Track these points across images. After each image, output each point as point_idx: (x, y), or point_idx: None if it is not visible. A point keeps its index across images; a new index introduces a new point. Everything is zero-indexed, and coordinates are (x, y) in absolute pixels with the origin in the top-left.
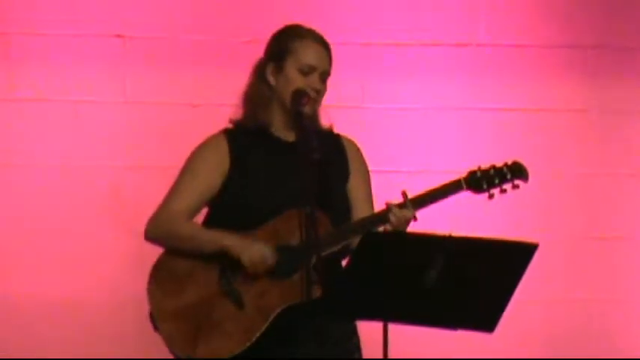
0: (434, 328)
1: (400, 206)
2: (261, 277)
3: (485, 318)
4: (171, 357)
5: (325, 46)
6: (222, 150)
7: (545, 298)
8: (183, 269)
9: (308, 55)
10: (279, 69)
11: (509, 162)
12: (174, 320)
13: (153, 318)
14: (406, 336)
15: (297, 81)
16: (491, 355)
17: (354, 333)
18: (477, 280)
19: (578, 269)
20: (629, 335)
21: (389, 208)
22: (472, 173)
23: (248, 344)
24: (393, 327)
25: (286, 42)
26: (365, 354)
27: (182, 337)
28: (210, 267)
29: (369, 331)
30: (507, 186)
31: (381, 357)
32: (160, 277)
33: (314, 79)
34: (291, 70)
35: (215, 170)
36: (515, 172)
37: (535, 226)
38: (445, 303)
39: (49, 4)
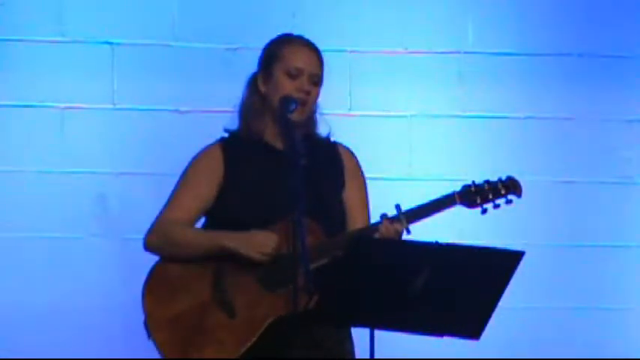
0: (420, 335)
1: (393, 220)
2: (254, 285)
3: (471, 325)
4: None
5: (314, 49)
6: (217, 160)
7: (530, 306)
8: (177, 278)
9: (295, 58)
10: (269, 76)
11: (504, 177)
12: (167, 329)
13: (147, 326)
14: (393, 342)
15: (285, 85)
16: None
17: (346, 338)
18: (463, 288)
19: (563, 277)
20: (615, 343)
21: (382, 219)
22: (466, 188)
23: (238, 355)
24: (379, 333)
25: (274, 49)
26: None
27: (174, 346)
28: (203, 275)
29: (355, 337)
30: (500, 201)
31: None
32: (154, 285)
33: (302, 81)
34: (279, 74)
35: (210, 183)
36: (510, 187)
37: (520, 233)
38: (431, 310)
39: (38, 10)
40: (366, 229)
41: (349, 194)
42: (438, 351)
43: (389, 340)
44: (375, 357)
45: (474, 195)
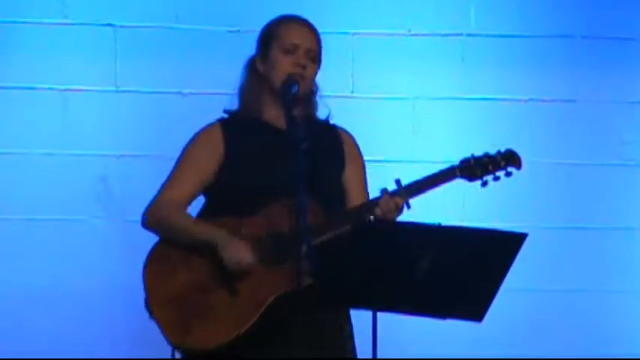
0: (423, 317)
1: (393, 194)
2: (255, 263)
3: (474, 308)
4: (163, 344)
5: (308, 26)
6: (217, 139)
7: (532, 288)
8: (178, 257)
9: (290, 34)
10: (266, 56)
11: (502, 150)
12: (169, 307)
13: (148, 305)
14: (395, 331)
15: (282, 61)
16: (478, 344)
17: (346, 320)
18: (465, 270)
19: (565, 259)
20: (616, 326)
21: (382, 194)
22: (465, 161)
23: (239, 332)
24: (381, 328)
25: (270, 30)
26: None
27: (175, 324)
28: (204, 254)
29: (358, 324)
30: (500, 173)
31: (370, 349)
32: (155, 264)
33: (298, 56)
34: (276, 52)
35: (210, 159)
36: (509, 159)
37: (523, 216)
38: (434, 292)
39: None
40: (367, 203)
41: (349, 177)
42: (441, 339)
43: (391, 331)
44: (378, 349)
45: (474, 167)
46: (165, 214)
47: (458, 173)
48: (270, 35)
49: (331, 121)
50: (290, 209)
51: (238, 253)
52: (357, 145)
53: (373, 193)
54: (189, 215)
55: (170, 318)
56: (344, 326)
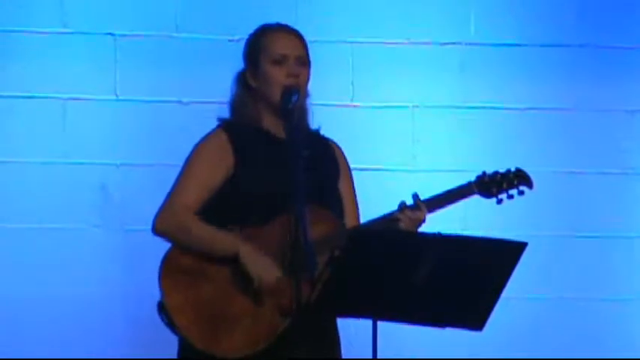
0: (423, 326)
1: (413, 208)
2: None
3: (474, 316)
4: (161, 353)
5: (293, 32)
6: (226, 145)
7: (532, 296)
8: (195, 264)
9: (276, 45)
10: (256, 70)
11: (513, 169)
12: (190, 314)
13: (166, 312)
14: (395, 337)
15: (274, 73)
16: (478, 353)
17: (332, 324)
18: (465, 279)
19: (565, 268)
20: (616, 334)
21: (401, 209)
22: (480, 177)
23: (270, 342)
24: (382, 328)
25: (255, 42)
26: (354, 354)
27: (201, 331)
28: (222, 262)
29: (357, 326)
30: (514, 191)
31: (370, 356)
32: (171, 271)
33: (289, 65)
34: (266, 65)
35: (218, 164)
36: (521, 178)
37: (523, 224)
38: (434, 301)
39: (40, 1)
40: (387, 217)
41: (342, 187)
42: (440, 344)
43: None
44: (378, 350)
45: (489, 185)
46: (183, 219)
47: (475, 189)
48: (256, 48)
49: (322, 131)
50: (305, 219)
51: (267, 269)
52: (345, 156)
53: (375, 202)
54: (206, 223)
55: (194, 324)
56: (329, 331)
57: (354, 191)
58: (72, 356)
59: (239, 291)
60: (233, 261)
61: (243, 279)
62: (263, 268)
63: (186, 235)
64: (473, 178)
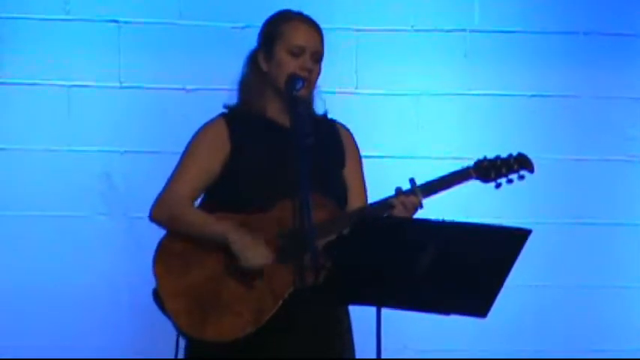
0: (427, 313)
1: (408, 193)
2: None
3: (478, 303)
4: (167, 340)
5: (314, 26)
6: (223, 134)
7: (536, 284)
8: (188, 250)
9: (296, 36)
10: (270, 54)
11: (514, 153)
12: (182, 299)
13: (159, 298)
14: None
15: (288, 64)
16: (482, 339)
17: (344, 314)
18: (470, 266)
19: (569, 255)
20: (620, 321)
21: (397, 193)
22: (479, 162)
23: (259, 325)
24: (385, 313)
25: (275, 27)
26: (358, 344)
27: (190, 316)
28: (215, 247)
29: (361, 318)
30: (513, 176)
31: (374, 346)
32: (165, 257)
33: (305, 59)
34: (281, 53)
35: (216, 154)
36: (521, 163)
37: (527, 211)
38: (438, 288)
39: None
40: (382, 203)
41: (349, 172)
42: (444, 333)
43: (394, 325)
44: (382, 345)
45: (488, 169)
46: (176, 208)
47: (473, 174)
48: (275, 32)
49: (329, 116)
50: (300, 206)
51: (258, 253)
52: (354, 140)
53: (379, 189)
54: (199, 210)
55: (184, 310)
56: (342, 320)
57: (362, 176)
58: (76, 343)
59: (230, 276)
60: (226, 246)
61: (235, 264)
62: (253, 252)
63: (180, 223)
64: (471, 163)
